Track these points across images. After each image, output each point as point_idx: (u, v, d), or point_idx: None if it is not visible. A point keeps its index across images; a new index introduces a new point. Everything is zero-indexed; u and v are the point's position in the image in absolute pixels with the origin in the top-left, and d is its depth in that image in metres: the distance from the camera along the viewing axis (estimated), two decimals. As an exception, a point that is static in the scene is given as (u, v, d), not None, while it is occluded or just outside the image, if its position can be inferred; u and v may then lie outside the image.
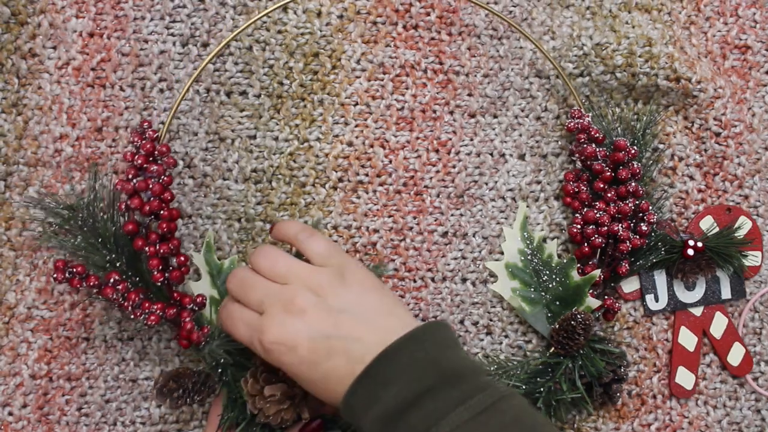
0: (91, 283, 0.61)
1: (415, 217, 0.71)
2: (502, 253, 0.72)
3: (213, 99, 0.69)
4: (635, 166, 0.69)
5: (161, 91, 0.69)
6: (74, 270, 0.61)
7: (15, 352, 0.66)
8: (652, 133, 0.72)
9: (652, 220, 0.70)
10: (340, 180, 0.71)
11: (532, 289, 0.70)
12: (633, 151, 0.69)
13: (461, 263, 0.71)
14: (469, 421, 0.49)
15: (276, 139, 0.70)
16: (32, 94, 0.67)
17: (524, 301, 0.70)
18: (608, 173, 0.69)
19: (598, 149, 0.69)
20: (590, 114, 0.71)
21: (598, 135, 0.69)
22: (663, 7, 0.76)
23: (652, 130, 0.72)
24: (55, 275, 0.61)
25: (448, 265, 0.71)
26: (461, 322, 0.71)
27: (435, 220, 0.71)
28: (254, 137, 0.70)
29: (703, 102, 0.74)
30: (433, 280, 0.71)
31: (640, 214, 0.70)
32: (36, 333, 0.66)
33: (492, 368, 0.69)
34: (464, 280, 0.71)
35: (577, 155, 0.71)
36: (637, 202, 0.69)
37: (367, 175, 0.71)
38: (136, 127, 0.67)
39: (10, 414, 0.65)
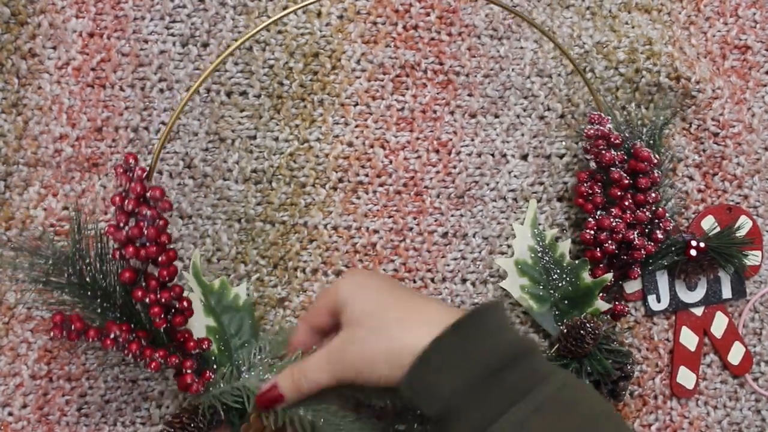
0: (90, 337, 0.57)
1: (415, 218, 0.71)
2: (502, 253, 0.72)
3: (213, 99, 0.69)
4: (656, 174, 0.67)
5: (161, 91, 0.68)
6: (72, 326, 0.57)
7: (15, 352, 0.65)
8: (662, 139, 0.71)
9: (668, 228, 0.69)
10: (340, 180, 0.71)
11: (541, 287, 0.70)
12: (655, 161, 0.67)
13: (461, 264, 0.71)
14: (552, 397, 0.48)
15: (276, 139, 0.70)
16: (32, 94, 0.67)
17: (532, 299, 0.70)
18: (626, 181, 0.67)
19: (615, 154, 0.67)
20: (610, 118, 0.69)
21: (617, 141, 0.68)
22: (663, 7, 0.76)
23: (663, 135, 0.71)
24: (52, 333, 0.57)
25: (448, 265, 0.71)
26: (462, 322, 0.71)
27: (435, 221, 0.71)
28: (254, 137, 0.70)
29: (701, 102, 0.74)
30: (432, 280, 0.71)
31: (656, 221, 0.69)
32: (36, 333, 0.66)
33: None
34: (464, 281, 0.71)
35: (592, 156, 0.70)
36: (653, 209, 0.68)
37: (367, 175, 0.71)
38: (121, 163, 0.60)
39: (10, 414, 0.65)
